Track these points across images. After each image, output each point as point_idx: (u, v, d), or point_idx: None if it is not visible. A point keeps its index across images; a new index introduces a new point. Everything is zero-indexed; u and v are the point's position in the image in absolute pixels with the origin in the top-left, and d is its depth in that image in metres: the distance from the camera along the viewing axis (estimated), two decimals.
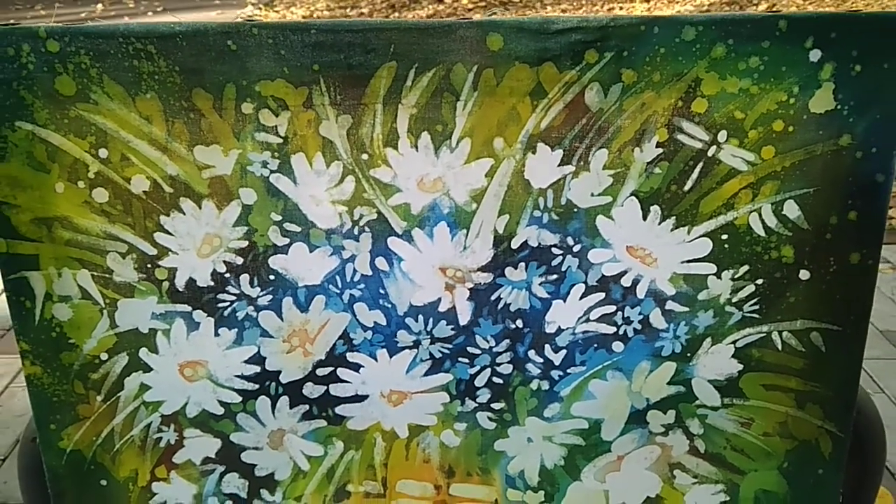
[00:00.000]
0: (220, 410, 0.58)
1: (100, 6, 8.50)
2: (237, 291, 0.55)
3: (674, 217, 0.53)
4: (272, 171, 0.52)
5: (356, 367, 0.57)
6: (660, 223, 0.53)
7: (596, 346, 0.56)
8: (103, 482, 0.60)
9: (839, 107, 0.51)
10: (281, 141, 0.51)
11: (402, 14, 7.37)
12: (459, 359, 0.57)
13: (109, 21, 7.48)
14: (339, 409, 0.58)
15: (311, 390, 0.58)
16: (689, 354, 0.56)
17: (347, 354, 0.57)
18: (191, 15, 7.62)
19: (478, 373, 0.58)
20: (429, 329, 0.56)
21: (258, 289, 0.55)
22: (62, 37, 0.49)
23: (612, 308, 0.55)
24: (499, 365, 0.57)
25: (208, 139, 0.51)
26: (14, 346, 1.64)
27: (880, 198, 0.53)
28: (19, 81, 0.50)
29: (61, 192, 0.52)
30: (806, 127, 0.52)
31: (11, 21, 0.51)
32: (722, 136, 0.52)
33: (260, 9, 8.01)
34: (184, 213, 0.53)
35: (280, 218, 0.53)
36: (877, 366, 1.82)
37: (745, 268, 0.54)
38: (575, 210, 0.53)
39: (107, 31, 0.49)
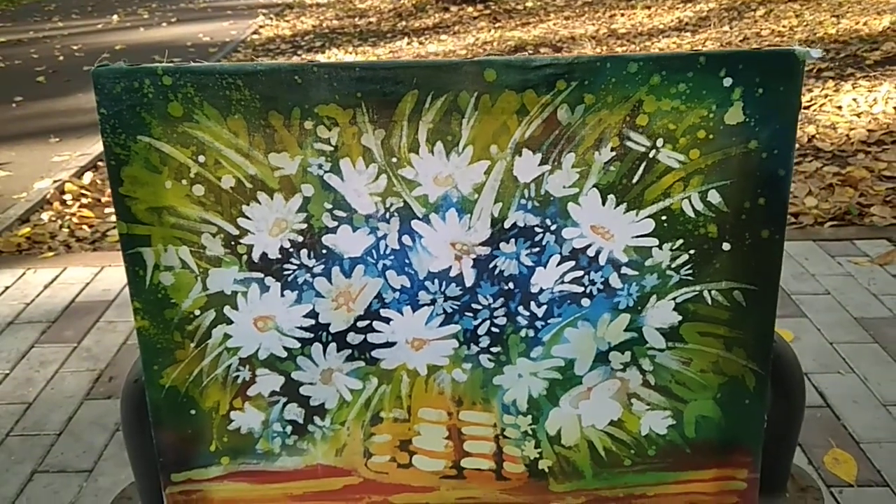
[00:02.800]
0: (284, 354, 0.76)
1: (115, 17, 8.73)
2: (298, 262, 0.73)
3: (625, 203, 0.71)
4: (325, 171, 0.70)
5: (387, 320, 0.75)
6: (615, 208, 0.71)
7: (569, 302, 0.74)
8: (192, 411, 0.78)
9: (747, 120, 0.69)
10: (332, 149, 0.69)
11: (409, 22, 7.56)
12: (465, 313, 0.75)
13: (125, 30, 7.69)
14: (374, 353, 0.76)
15: (353, 338, 0.76)
16: (639, 308, 0.74)
17: (380, 310, 0.75)
18: (204, 26, 7.84)
19: (480, 324, 0.75)
20: (442, 290, 0.74)
21: (314, 260, 0.73)
22: (174, 74, 0.67)
23: (581, 273, 0.73)
24: (496, 318, 0.75)
25: (279, 148, 0.69)
26: (61, 335, 1.85)
27: (782, 188, 0.71)
28: (141, 106, 0.68)
29: (169, 188, 0.70)
30: (723, 135, 0.69)
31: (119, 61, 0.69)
32: (659, 142, 0.69)
33: (271, 19, 8.22)
34: (260, 203, 0.71)
35: (331, 206, 0.71)
36: (850, 349, 1.99)
37: (680, 241, 0.72)
38: (551, 198, 0.71)
39: (207, 69, 0.67)
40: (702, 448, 0.78)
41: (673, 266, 0.72)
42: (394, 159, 0.69)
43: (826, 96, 3.97)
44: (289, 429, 0.78)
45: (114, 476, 1.61)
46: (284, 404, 0.77)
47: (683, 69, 0.67)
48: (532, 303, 0.74)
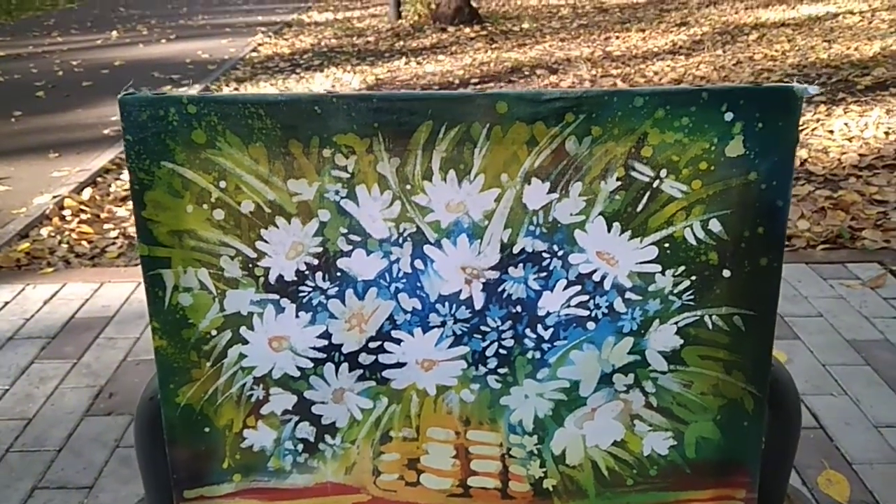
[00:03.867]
0: (297, 374, 0.78)
1: (115, 33, 8.78)
2: (313, 284, 0.75)
3: (629, 230, 0.74)
4: (342, 197, 0.73)
5: (398, 342, 0.77)
6: (620, 235, 0.74)
7: (574, 325, 0.76)
8: (206, 429, 0.79)
9: (747, 152, 0.72)
10: (349, 176, 0.72)
11: (406, 42, 7.63)
12: (474, 335, 0.77)
13: (124, 46, 7.74)
14: (384, 373, 0.78)
15: (365, 359, 0.78)
16: (642, 332, 0.77)
17: (392, 332, 0.77)
18: (203, 43, 7.90)
19: (488, 346, 0.78)
20: (452, 313, 0.76)
21: (328, 283, 0.75)
22: (198, 103, 0.70)
23: (586, 297, 0.76)
24: (503, 340, 0.77)
25: (298, 174, 0.72)
26: (61, 351, 1.87)
27: (780, 217, 0.74)
28: (166, 133, 0.70)
29: (190, 212, 0.73)
30: (724, 166, 0.72)
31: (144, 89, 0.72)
32: (663, 173, 0.72)
33: (270, 36, 8.29)
34: (277, 227, 0.73)
35: (346, 231, 0.74)
36: (843, 371, 2.02)
37: (682, 267, 0.75)
38: (559, 225, 0.74)
39: (230, 98, 0.70)
40: (702, 468, 0.80)
41: (675, 291, 0.75)
42: (408, 186, 0.72)
43: (818, 121, 4.04)
44: (300, 447, 0.80)
45: (114, 492, 1.62)
46: (296, 423, 0.79)
47: (687, 104, 0.70)
48: (539, 325, 0.76)
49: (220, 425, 0.79)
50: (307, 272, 0.75)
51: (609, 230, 0.74)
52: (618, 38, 7.07)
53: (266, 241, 0.74)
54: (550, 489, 0.81)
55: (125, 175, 3.77)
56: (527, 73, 5.82)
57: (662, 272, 0.74)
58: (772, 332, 0.77)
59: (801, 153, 3.60)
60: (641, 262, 0.74)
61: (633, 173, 0.72)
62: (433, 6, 8.71)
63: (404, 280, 0.75)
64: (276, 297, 0.75)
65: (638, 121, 0.70)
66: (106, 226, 3.18)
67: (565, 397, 0.78)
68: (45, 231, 3.08)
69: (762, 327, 0.76)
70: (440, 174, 0.72)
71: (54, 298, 2.48)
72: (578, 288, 0.75)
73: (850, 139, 3.74)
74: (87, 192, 3.49)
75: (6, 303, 2.46)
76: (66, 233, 3.07)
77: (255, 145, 0.71)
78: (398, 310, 0.76)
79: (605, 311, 0.76)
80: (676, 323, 0.76)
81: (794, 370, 2.01)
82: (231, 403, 0.78)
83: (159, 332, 0.76)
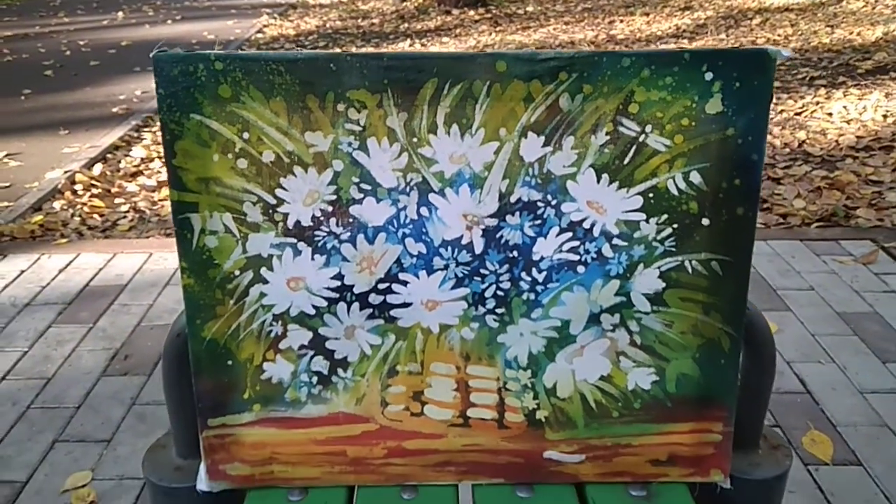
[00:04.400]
0: (313, 311, 0.85)
1: (121, 14, 8.82)
2: (328, 230, 0.83)
3: (617, 182, 0.81)
4: (354, 149, 0.80)
5: (405, 283, 0.85)
6: (608, 185, 0.81)
7: (566, 269, 0.84)
8: (229, 362, 0.87)
9: (725, 110, 0.79)
10: (361, 129, 0.79)
11: (411, 24, 7.67)
12: (474, 278, 0.84)
13: (130, 27, 7.78)
14: (392, 312, 0.86)
15: (374, 299, 0.85)
16: (628, 275, 0.84)
17: (399, 274, 0.84)
18: (208, 24, 7.94)
19: (486, 288, 0.85)
20: (454, 256, 0.84)
21: (341, 228, 0.83)
22: (224, 60, 0.77)
23: (577, 243, 0.83)
24: (501, 282, 0.85)
25: (314, 127, 0.79)
26: (76, 317, 1.96)
27: (755, 170, 0.80)
28: (195, 88, 0.77)
29: (216, 161, 0.80)
30: (704, 123, 0.79)
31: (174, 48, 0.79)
32: (648, 128, 0.79)
33: (275, 18, 8.32)
34: (295, 176, 0.81)
35: (358, 180, 0.81)
36: (831, 340, 2.10)
37: (665, 216, 0.81)
38: (552, 177, 0.81)
39: (254, 56, 0.77)
40: (681, 403, 0.88)
41: (658, 238, 0.82)
42: (414, 139, 0.79)
43: (818, 103, 4.09)
44: (314, 379, 0.88)
45: (131, 445, 1.70)
46: (311, 357, 0.87)
47: (670, 64, 0.77)
48: (533, 269, 0.83)
49: (242, 359, 0.87)
50: (322, 218, 0.82)
51: (598, 181, 0.81)
52: (622, 21, 7.10)
53: (285, 189, 0.81)
54: (543, 420, 0.88)
55: (134, 151, 3.84)
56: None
57: (647, 220, 0.81)
58: (747, 277, 0.84)
59: (800, 134, 3.66)
60: (628, 211, 0.81)
61: (621, 128, 0.79)
62: None
63: (410, 226, 0.82)
64: (294, 240, 0.83)
65: (625, 80, 0.77)
66: (117, 200, 3.26)
67: (557, 335, 0.85)
68: (57, 204, 3.16)
69: (738, 272, 0.83)
70: (444, 128, 0.79)
71: (69, 267, 2.55)
72: (570, 234, 0.82)
73: (848, 121, 3.79)
74: (97, 168, 3.56)
75: (22, 271, 2.54)
76: (78, 206, 3.15)
77: (275, 100, 0.78)
78: (405, 254, 0.83)
79: (594, 256, 0.83)
80: (659, 267, 0.83)
81: (784, 339, 2.08)
82: (252, 338, 0.86)
83: (187, 271, 0.83)
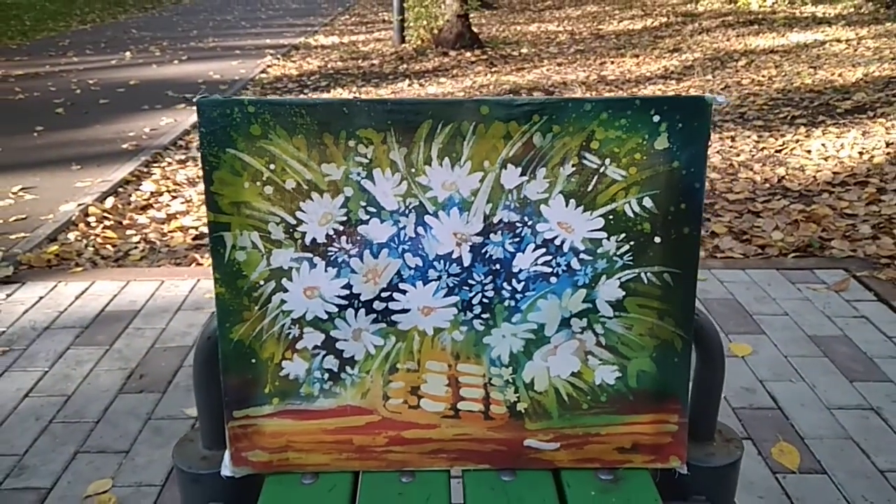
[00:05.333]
0: (325, 316, 1.00)
1: (128, 54, 9.09)
2: (339, 246, 0.98)
3: (582, 205, 0.96)
4: (362, 178, 0.95)
5: (404, 292, 0.99)
6: (575, 209, 0.96)
7: (541, 279, 0.99)
8: (253, 360, 1.01)
9: (671, 146, 0.94)
10: (368, 161, 0.95)
11: (409, 65, 7.93)
12: (463, 287, 0.99)
13: (138, 66, 8.02)
14: (393, 317, 1.00)
15: (378, 305, 1.00)
16: (593, 285, 0.99)
17: (399, 284, 0.99)
18: (214, 64, 8.19)
19: (474, 296, 0.99)
20: (446, 269, 0.98)
21: (350, 245, 0.98)
22: (256, 104, 0.93)
23: (550, 257, 0.98)
24: (486, 291, 0.99)
25: (329, 160, 0.94)
26: (93, 339, 2.11)
27: (697, 196, 0.96)
28: (230, 127, 0.93)
29: (247, 188, 0.95)
30: (653, 157, 0.95)
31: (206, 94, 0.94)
32: (607, 161, 0.95)
33: (278, 59, 8.58)
34: (312, 200, 0.96)
35: (365, 204, 0.96)
36: (802, 361, 2.24)
37: (623, 234, 0.97)
38: (528, 201, 0.96)
39: (280, 101, 0.93)
40: (642, 396, 1.02)
41: (618, 253, 0.97)
42: (412, 169, 0.95)
43: (797, 141, 4.28)
44: (326, 376, 1.02)
45: (148, 456, 1.83)
46: (324, 356, 1.01)
47: (624, 108, 0.93)
48: (513, 280, 0.98)
49: (264, 357, 1.01)
50: (334, 236, 0.97)
51: (567, 205, 0.96)
52: (613, 63, 7.35)
53: (303, 211, 0.96)
54: (522, 411, 1.02)
55: (144, 186, 4.01)
56: (525, 94, 6.09)
57: (608, 238, 0.97)
58: (694, 286, 0.99)
59: (779, 171, 3.84)
60: (592, 231, 0.97)
61: (585, 161, 0.94)
62: (436, 31, 9.02)
63: (409, 243, 0.97)
64: (310, 255, 0.98)
65: (587, 121, 0.93)
66: (128, 231, 3.41)
67: (534, 337, 1.00)
68: (71, 235, 3.31)
69: (686, 283, 0.98)
70: (437, 160, 0.94)
71: (85, 294, 2.70)
72: (544, 250, 0.97)
73: (825, 158, 3.98)
74: (109, 201, 3.72)
75: (41, 297, 2.68)
76: (92, 237, 3.30)
77: (297, 137, 0.93)
78: (404, 266, 0.98)
79: (565, 268, 0.98)
80: (619, 278, 0.98)
81: (758, 360, 2.22)
82: (273, 340, 1.00)
83: (220, 281, 0.98)
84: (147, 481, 1.72)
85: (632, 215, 0.96)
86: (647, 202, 0.95)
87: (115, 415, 1.99)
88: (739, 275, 2.74)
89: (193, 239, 3.27)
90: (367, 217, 0.96)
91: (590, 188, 0.95)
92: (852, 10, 10.14)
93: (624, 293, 0.98)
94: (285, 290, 0.98)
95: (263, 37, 10.74)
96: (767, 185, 3.67)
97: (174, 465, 1.09)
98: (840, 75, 6.04)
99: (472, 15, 9.34)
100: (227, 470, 1.04)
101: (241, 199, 0.95)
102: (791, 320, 2.45)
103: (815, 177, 3.73)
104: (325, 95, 6.37)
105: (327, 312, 0.99)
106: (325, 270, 0.98)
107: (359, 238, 0.97)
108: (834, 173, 3.76)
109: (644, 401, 1.02)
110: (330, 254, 0.97)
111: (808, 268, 2.83)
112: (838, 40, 7.70)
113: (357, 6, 15.55)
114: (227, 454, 1.04)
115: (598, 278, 0.98)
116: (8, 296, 2.65)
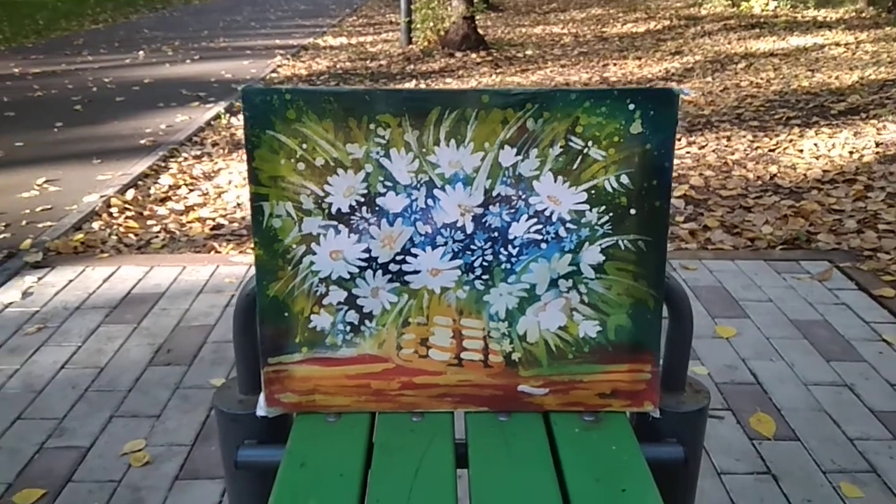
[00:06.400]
0: (348, 276, 1.16)
1: (142, 53, 9.29)
2: (360, 215, 1.14)
3: (569, 181, 1.12)
4: (381, 156, 1.11)
5: (415, 256, 1.15)
6: (562, 184, 1.12)
7: (533, 245, 1.15)
8: (286, 314, 1.17)
9: (644, 130, 1.10)
10: (386, 142, 1.11)
11: (416, 65, 8.10)
12: (466, 252, 1.15)
13: (151, 65, 8.20)
14: (406, 278, 1.16)
15: (393, 267, 1.16)
16: (578, 251, 1.15)
17: (411, 249, 1.15)
18: (225, 64, 8.38)
19: (475, 259, 1.15)
20: (452, 236, 1.15)
21: (370, 214, 1.14)
22: (292, 93, 1.09)
23: (541, 226, 1.14)
24: (486, 255, 1.15)
25: (353, 140, 1.11)
26: (122, 318, 2.30)
27: (666, 174, 1.11)
28: (270, 111, 1.09)
29: (283, 164, 1.11)
30: (629, 140, 1.11)
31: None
32: (590, 143, 1.11)
33: (288, 59, 8.75)
34: (338, 176, 1.12)
35: (383, 179, 1.12)
36: (783, 342, 2.40)
37: (604, 207, 1.13)
38: (522, 178, 1.12)
39: (312, 90, 1.09)
40: (620, 348, 1.18)
41: (599, 223, 1.13)
42: (424, 149, 1.11)
43: (790, 141, 4.43)
44: (348, 328, 1.18)
45: (178, 420, 1.99)
46: (346, 311, 1.17)
47: (604, 98, 1.09)
48: (509, 246, 1.15)
49: (295, 311, 1.17)
50: (356, 206, 1.13)
51: (555, 181, 1.12)
52: (615, 65, 7.51)
53: (330, 185, 1.13)
54: (517, 360, 1.18)
55: (162, 179, 4.18)
56: None
57: (590, 210, 1.13)
58: (664, 252, 1.15)
59: (772, 169, 3.99)
60: (577, 203, 1.13)
61: (571, 143, 1.11)
62: (442, 33, 9.19)
63: (420, 213, 1.14)
64: (336, 223, 1.14)
65: (573, 108, 1.09)
66: (149, 222, 3.58)
67: (526, 295, 1.16)
68: (95, 225, 3.48)
69: (658, 249, 1.14)
70: (445, 142, 1.11)
71: (112, 277, 2.87)
72: (535, 220, 1.14)
73: (817, 157, 4.13)
74: (129, 193, 3.90)
75: (70, 281, 2.85)
76: (115, 227, 3.47)
77: (326, 120, 1.10)
78: (416, 234, 1.15)
79: (553, 236, 1.14)
80: (600, 245, 1.14)
81: (741, 342, 2.38)
82: (303, 296, 1.17)
83: (258, 244, 1.14)
84: (178, 441, 1.89)
85: (611, 190, 1.12)
86: (624, 179, 1.11)
87: (146, 384, 2.16)
88: (728, 265, 2.90)
89: (211, 229, 3.44)
90: (385, 190, 1.12)
91: (575, 166, 1.11)
92: (853, 14, 10.27)
93: (604, 258, 1.14)
94: (314, 253, 1.15)
95: (273, 37, 10.93)
96: (760, 182, 3.82)
97: (214, 407, 1.25)
98: (837, 78, 6.18)
99: (477, 17, 9.51)
100: (261, 410, 1.21)
101: (278, 173, 1.12)
102: (775, 306, 2.61)
103: (805, 175, 3.89)
104: None
105: (349, 273, 1.15)
106: (348, 236, 1.14)
107: (377, 208, 1.13)
108: (824, 171, 3.91)
109: (621, 352, 1.18)
110: (352, 222, 1.14)
111: (794, 259, 2.99)
112: (837, 44, 7.85)
113: (364, 8, 15.74)
114: (261, 396, 1.21)
115: (581, 245, 1.14)
116: (39, 279, 2.82)
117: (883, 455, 1.84)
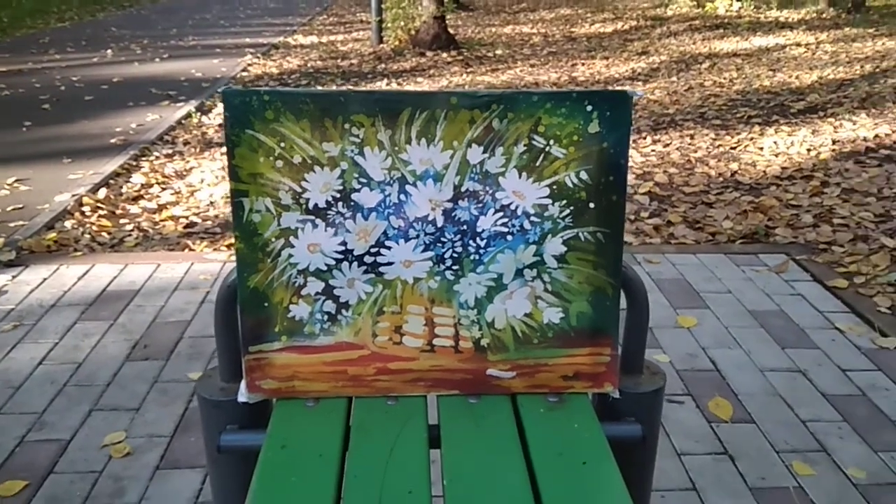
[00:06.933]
0: (325, 268, 1.22)
1: (110, 52, 9.21)
2: (336, 210, 1.20)
3: (532, 177, 1.20)
4: (355, 154, 1.18)
5: (389, 248, 1.22)
6: (527, 180, 1.20)
7: (499, 237, 1.22)
8: (265, 304, 1.23)
9: (601, 130, 1.18)
10: (360, 140, 1.18)
11: (388, 64, 8.15)
12: (437, 244, 1.22)
13: (120, 64, 8.14)
14: (380, 269, 1.23)
15: (368, 259, 1.23)
16: (541, 242, 1.22)
17: (385, 241, 1.22)
18: (195, 62, 8.35)
19: (446, 251, 1.23)
20: (423, 229, 1.22)
21: (346, 209, 1.20)
22: (270, 94, 1.15)
23: (507, 220, 1.21)
24: (455, 247, 1.23)
25: (329, 139, 1.17)
26: (98, 315, 2.34)
27: (622, 171, 1.19)
28: (249, 112, 1.15)
29: (262, 161, 1.17)
30: (587, 138, 1.19)
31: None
32: (551, 142, 1.18)
33: (258, 58, 8.74)
34: (315, 173, 1.19)
35: (357, 175, 1.19)
36: (741, 331, 2.51)
37: (565, 201, 1.21)
38: (489, 174, 1.20)
39: (290, 91, 1.15)
40: (580, 333, 1.26)
41: (560, 216, 1.21)
42: (396, 148, 1.18)
43: (751, 139, 4.57)
44: (325, 317, 1.24)
45: (156, 413, 2.04)
46: (323, 301, 1.24)
47: (564, 100, 1.17)
48: (477, 238, 1.22)
49: (275, 302, 1.23)
50: (332, 202, 1.20)
51: (520, 177, 1.20)
52: (583, 64, 7.64)
53: (307, 181, 1.19)
54: (485, 346, 1.26)
55: (134, 178, 4.19)
56: None
57: (553, 204, 1.21)
58: (622, 243, 1.23)
59: (733, 166, 4.12)
60: (539, 198, 1.21)
61: (534, 142, 1.18)
62: (413, 32, 9.25)
63: (393, 208, 1.21)
64: (313, 217, 1.20)
65: (535, 109, 1.17)
66: (122, 220, 3.60)
67: (494, 284, 1.24)
68: (68, 223, 3.49)
69: (615, 240, 1.23)
70: (416, 140, 1.18)
71: (86, 276, 2.89)
72: (501, 214, 1.21)
73: (776, 154, 4.28)
74: (102, 192, 3.90)
75: (44, 279, 2.86)
76: (88, 225, 3.48)
77: (303, 120, 1.16)
78: (389, 227, 1.21)
79: (518, 228, 1.22)
80: (562, 236, 1.22)
81: (701, 331, 2.49)
82: (282, 287, 1.23)
83: (239, 238, 1.20)
84: (157, 433, 1.93)
85: (571, 186, 1.20)
86: (583, 175, 1.20)
87: (124, 379, 2.19)
88: (690, 258, 3.01)
89: (184, 227, 3.47)
90: (360, 186, 1.19)
91: (538, 163, 1.19)
92: (815, 15, 10.55)
93: (566, 249, 1.22)
94: (292, 247, 1.21)
95: (243, 36, 10.89)
96: (721, 178, 3.95)
97: (197, 394, 1.31)
98: (797, 78, 6.37)
99: (448, 16, 9.58)
100: (242, 397, 1.27)
101: (257, 170, 1.18)
102: (734, 297, 2.72)
103: (765, 171, 4.02)
104: None
105: (326, 265, 1.22)
106: (325, 230, 1.21)
107: (352, 204, 1.20)
108: (783, 168, 4.05)
109: (583, 337, 1.26)
110: (329, 216, 1.20)
111: (752, 252, 3.11)
112: (798, 44, 8.06)
113: (335, 6, 15.73)
114: (242, 384, 1.27)
115: (545, 236, 1.22)
116: (13, 277, 2.83)
117: (833, 436, 1.95)
